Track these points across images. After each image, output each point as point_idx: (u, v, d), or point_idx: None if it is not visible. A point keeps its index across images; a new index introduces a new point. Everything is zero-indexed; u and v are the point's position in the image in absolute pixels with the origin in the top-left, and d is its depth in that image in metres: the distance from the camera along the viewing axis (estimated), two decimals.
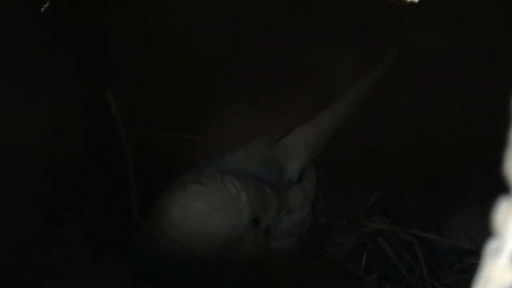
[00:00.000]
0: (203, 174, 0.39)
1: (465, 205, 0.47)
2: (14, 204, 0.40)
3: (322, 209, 0.46)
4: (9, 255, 0.37)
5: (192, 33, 0.49)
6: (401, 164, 0.50)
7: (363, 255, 0.41)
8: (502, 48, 0.46)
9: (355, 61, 0.50)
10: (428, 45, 0.49)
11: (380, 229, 0.44)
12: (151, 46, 0.47)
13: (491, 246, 0.13)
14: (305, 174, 0.48)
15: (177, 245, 0.36)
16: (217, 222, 0.36)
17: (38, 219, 0.41)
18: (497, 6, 0.44)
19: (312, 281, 0.40)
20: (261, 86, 0.51)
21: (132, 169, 0.38)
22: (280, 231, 0.41)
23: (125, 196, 0.40)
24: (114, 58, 0.45)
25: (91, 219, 0.42)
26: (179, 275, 0.36)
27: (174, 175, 0.41)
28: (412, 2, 0.49)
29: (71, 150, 0.42)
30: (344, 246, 0.43)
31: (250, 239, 0.38)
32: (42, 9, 0.44)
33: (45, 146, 0.42)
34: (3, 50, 0.38)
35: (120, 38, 0.46)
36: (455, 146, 0.49)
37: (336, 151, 0.51)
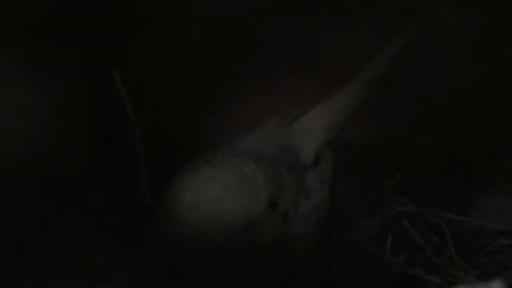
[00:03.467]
0: (216, 157, 0.38)
1: (493, 185, 0.44)
2: (20, 194, 0.39)
3: (341, 193, 0.44)
4: (17, 244, 0.36)
5: (206, 14, 0.47)
6: (423, 144, 0.48)
7: (387, 239, 0.39)
8: None
9: (372, 38, 0.48)
10: (449, 19, 0.46)
11: (404, 211, 0.42)
12: (164, 25, 0.45)
13: None
14: (322, 157, 0.46)
15: (191, 230, 0.34)
16: (233, 205, 0.35)
17: (45, 209, 0.40)
18: None
19: (335, 265, 0.38)
20: (275, 67, 0.49)
21: (142, 153, 0.37)
22: (298, 215, 0.39)
23: (135, 183, 0.38)
24: (123, 36, 0.43)
25: (100, 209, 0.40)
26: (194, 261, 0.35)
27: (186, 159, 0.39)
28: None
29: (77, 136, 0.41)
30: (367, 230, 0.41)
31: (268, 223, 0.36)
32: None
33: (50, 133, 0.41)
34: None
35: (130, 15, 0.44)
36: (481, 124, 0.47)
37: (353, 133, 0.49)
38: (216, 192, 0.35)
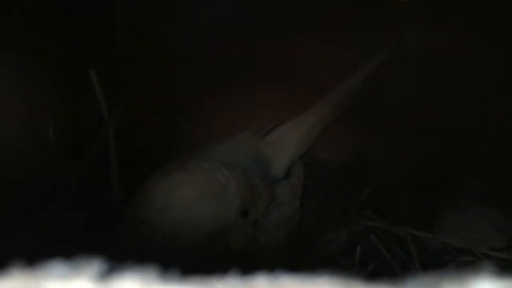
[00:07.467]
0: (190, 163, 0.37)
1: (458, 203, 0.46)
2: None
3: (311, 207, 0.45)
4: None
5: (184, 24, 0.47)
6: (391, 163, 0.49)
7: (355, 251, 0.40)
8: (497, 44, 0.46)
9: (346, 57, 0.49)
10: (422, 43, 0.48)
11: (372, 226, 0.42)
12: (141, 30, 0.45)
13: None
14: (293, 171, 0.46)
15: (160, 234, 0.33)
16: (204, 211, 0.34)
17: (13, 209, 0.38)
18: (491, 1, 0.44)
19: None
20: (250, 79, 0.50)
21: (115, 155, 0.36)
22: (268, 224, 0.39)
23: (106, 184, 0.38)
24: (100, 39, 0.42)
25: (70, 209, 0.39)
26: (162, 266, 0.34)
27: (159, 163, 0.39)
28: None
29: (50, 136, 0.40)
30: (335, 243, 0.42)
31: (239, 230, 0.36)
32: None
33: (22, 132, 0.39)
34: None
35: (108, 21, 0.43)
36: (447, 144, 0.48)
37: (324, 150, 0.50)
38: (188, 197, 0.34)
